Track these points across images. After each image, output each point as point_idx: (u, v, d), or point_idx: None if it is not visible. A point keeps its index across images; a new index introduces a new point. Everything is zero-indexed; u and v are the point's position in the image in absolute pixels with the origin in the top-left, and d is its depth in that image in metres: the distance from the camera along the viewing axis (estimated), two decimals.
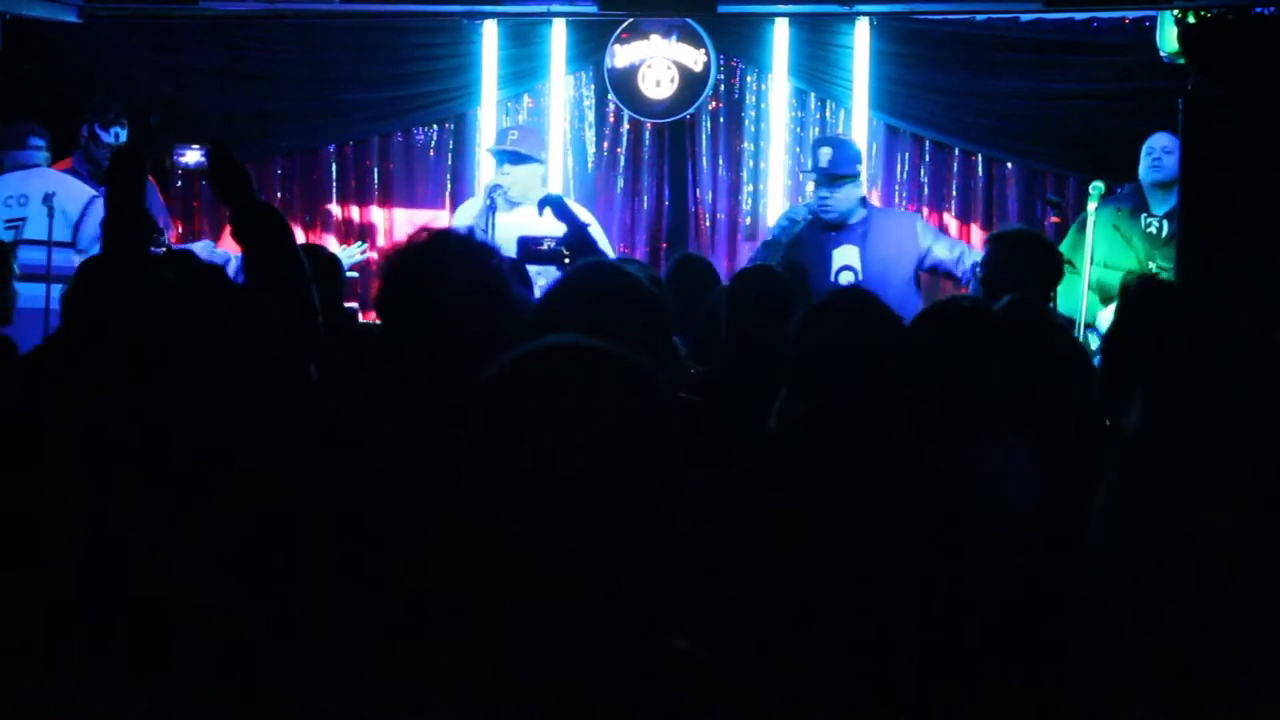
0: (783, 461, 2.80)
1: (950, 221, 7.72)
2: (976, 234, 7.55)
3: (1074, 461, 2.99)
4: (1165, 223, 6.46)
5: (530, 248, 4.50)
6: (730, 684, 1.52)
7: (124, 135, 6.69)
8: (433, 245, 2.45)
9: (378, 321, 2.60)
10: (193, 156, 2.99)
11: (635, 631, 1.50)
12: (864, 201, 6.19)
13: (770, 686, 1.67)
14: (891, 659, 1.99)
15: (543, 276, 5.08)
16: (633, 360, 1.56)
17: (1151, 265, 6.32)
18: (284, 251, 2.89)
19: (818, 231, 6.03)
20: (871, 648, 2.02)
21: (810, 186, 6.49)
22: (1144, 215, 6.46)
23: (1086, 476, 2.90)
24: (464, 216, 6.59)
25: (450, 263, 2.41)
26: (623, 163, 7.89)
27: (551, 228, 4.99)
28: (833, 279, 5.87)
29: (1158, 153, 6.50)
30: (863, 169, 6.60)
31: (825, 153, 6.17)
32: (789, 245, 5.99)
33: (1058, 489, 2.83)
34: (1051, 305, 4.67)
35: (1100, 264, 6.07)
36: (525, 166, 6.36)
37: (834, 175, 6.02)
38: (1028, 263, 4.42)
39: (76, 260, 6.01)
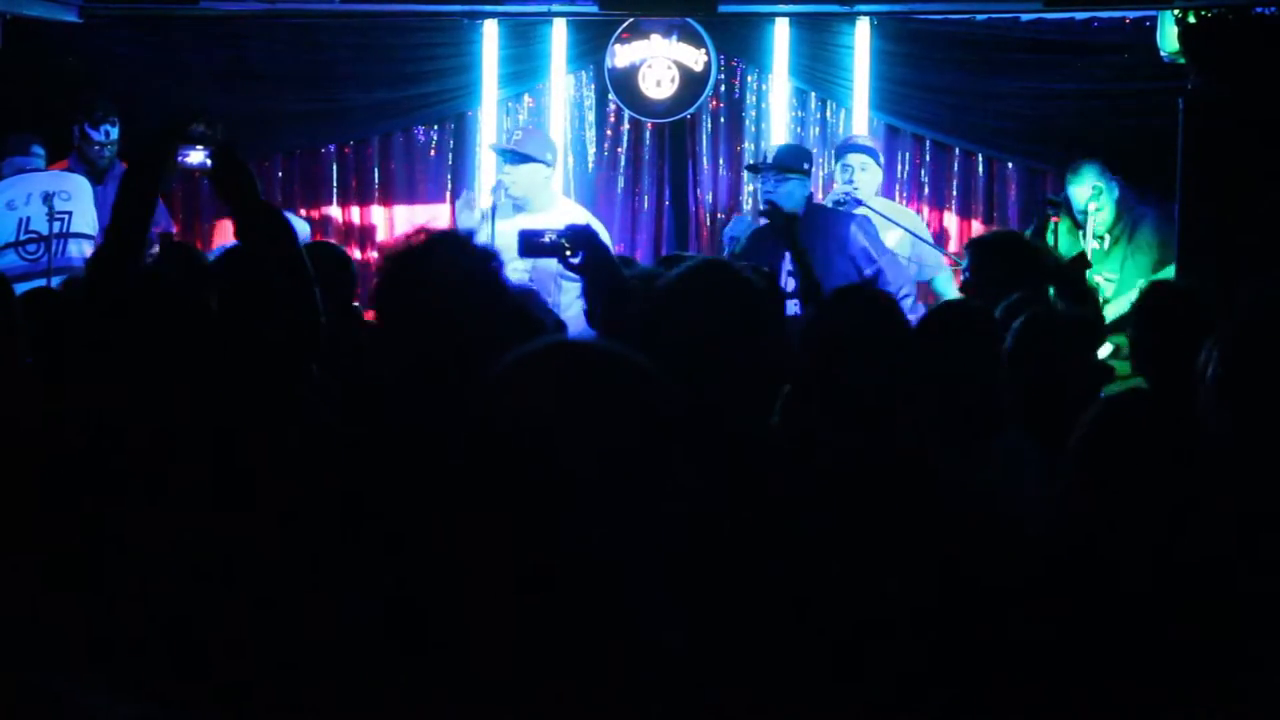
0: (783, 460, 2.81)
1: (951, 221, 7.74)
2: (977, 233, 7.55)
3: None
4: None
5: (531, 241, 4.52)
6: (730, 684, 1.53)
7: (114, 133, 6.69)
8: (431, 246, 2.45)
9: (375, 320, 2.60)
10: (196, 157, 2.98)
11: (635, 632, 1.50)
12: (810, 200, 6.11)
13: (770, 687, 1.68)
14: (894, 659, 2.00)
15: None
16: (633, 360, 1.57)
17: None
18: (287, 252, 2.89)
19: (765, 237, 5.97)
20: (873, 648, 2.02)
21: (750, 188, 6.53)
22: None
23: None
24: (468, 207, 6.56)
25: (448, 263, 2.41)
26: (623, 163, 7.90)
27: (552, 223, 5.00)
28: (782, 281, 5.82)
29: (1090, 212, 6.47)
30: (869, 172, 6.65)
31: (772, 150, 6.33)
32: (744, 254, 5.92)
33: (1063, 475, 2.85)
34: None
35: None
36: (526, 166, 6.33)
37: (783, 167, 5.98)
38: (1007, 265, 4.41)
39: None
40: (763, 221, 5.89)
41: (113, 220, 3.00)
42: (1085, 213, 6.42)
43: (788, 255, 5.81)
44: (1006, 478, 2.80)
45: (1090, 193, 6.42)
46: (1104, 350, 4.38)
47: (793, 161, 5.99)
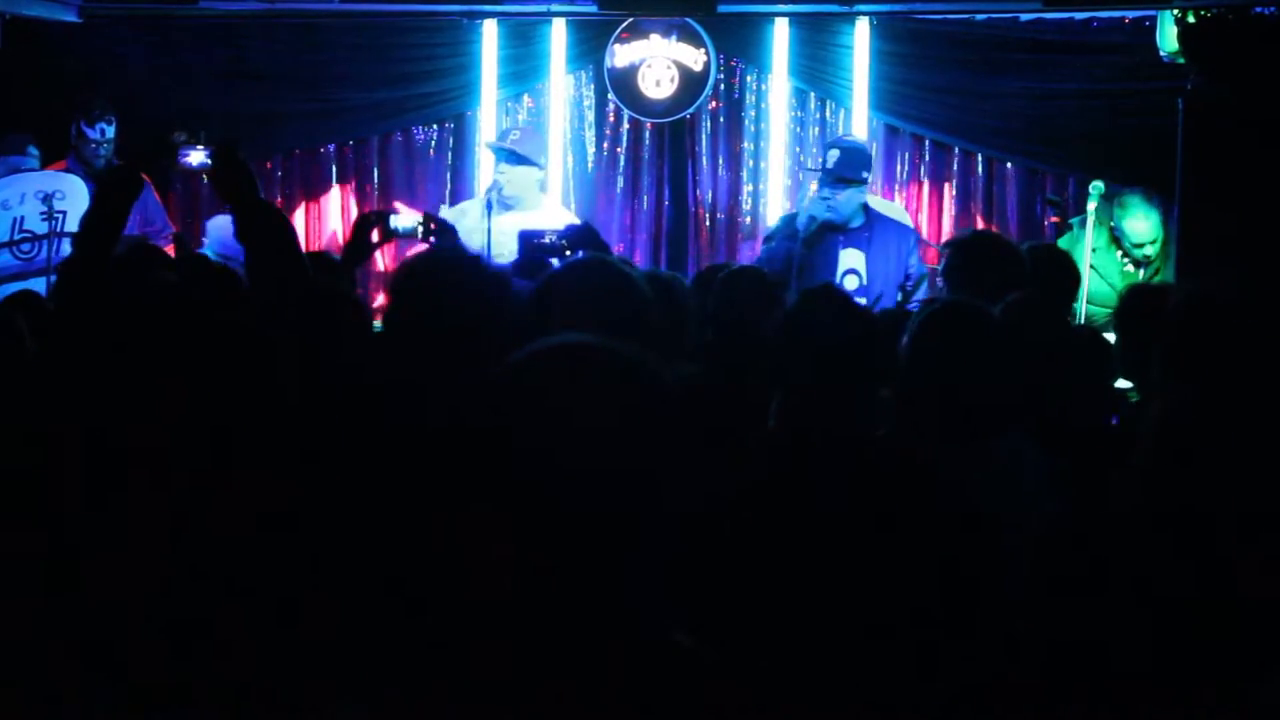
0: (782, 460, 2.80)
1: (950, 221, 7.73)
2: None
3: (1076, 446, 3.02)
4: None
5: (531, 241, 4.53)
6: (730, 684, 1.53)
7: (110, 131, 6.67)
8: (438, 262, 2.47)
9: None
10: (197, 158, 2.99)
11: (636, 631, 1.50)
12: (866, 207, 6.14)
13: (770, 687, 1.68)
14: (894, 659, 1.99)
15: None
16: (636, 359, 1.56)
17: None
18: (287, 251, 2.89)
19: (824, 233, 6.00)
20: (873, 648, 2.02)
21: (814, 186, 6.49)
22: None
23: (1088, 459, 2.93)
24: (459, 215, 6.61)
25: (457, 277, 2.44)
26: (623, 163, 7.90)
27: (541, 222, 5.04)
28: (838, 281, 5.86)
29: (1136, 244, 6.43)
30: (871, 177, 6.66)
31: (834, 154, 6.13)
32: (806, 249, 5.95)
33: (1064, 474, 2.86)
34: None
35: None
36: (522, 168, 6.37)
37: (840, 177, 5.99)
38: (985, 265, 4.40)
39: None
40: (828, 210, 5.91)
41: (85, 226, 3.00)
42: (1141, 246, 6.30)
43: (844, 254, 5.85)
44: (1006, 478, 2.80)
45: (1148, 229, 6.32)
46: None
47: (851, 173, 5.96)
